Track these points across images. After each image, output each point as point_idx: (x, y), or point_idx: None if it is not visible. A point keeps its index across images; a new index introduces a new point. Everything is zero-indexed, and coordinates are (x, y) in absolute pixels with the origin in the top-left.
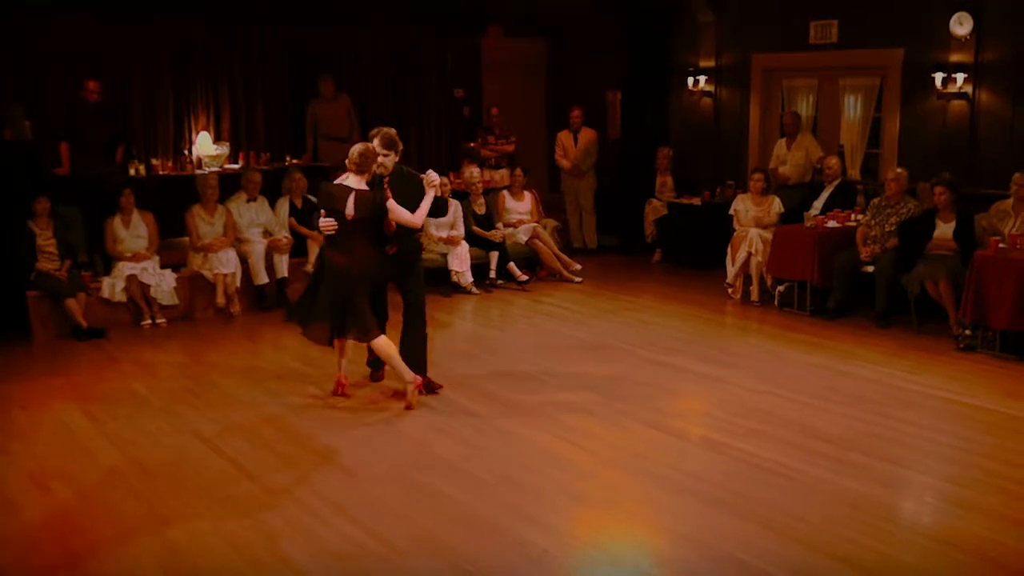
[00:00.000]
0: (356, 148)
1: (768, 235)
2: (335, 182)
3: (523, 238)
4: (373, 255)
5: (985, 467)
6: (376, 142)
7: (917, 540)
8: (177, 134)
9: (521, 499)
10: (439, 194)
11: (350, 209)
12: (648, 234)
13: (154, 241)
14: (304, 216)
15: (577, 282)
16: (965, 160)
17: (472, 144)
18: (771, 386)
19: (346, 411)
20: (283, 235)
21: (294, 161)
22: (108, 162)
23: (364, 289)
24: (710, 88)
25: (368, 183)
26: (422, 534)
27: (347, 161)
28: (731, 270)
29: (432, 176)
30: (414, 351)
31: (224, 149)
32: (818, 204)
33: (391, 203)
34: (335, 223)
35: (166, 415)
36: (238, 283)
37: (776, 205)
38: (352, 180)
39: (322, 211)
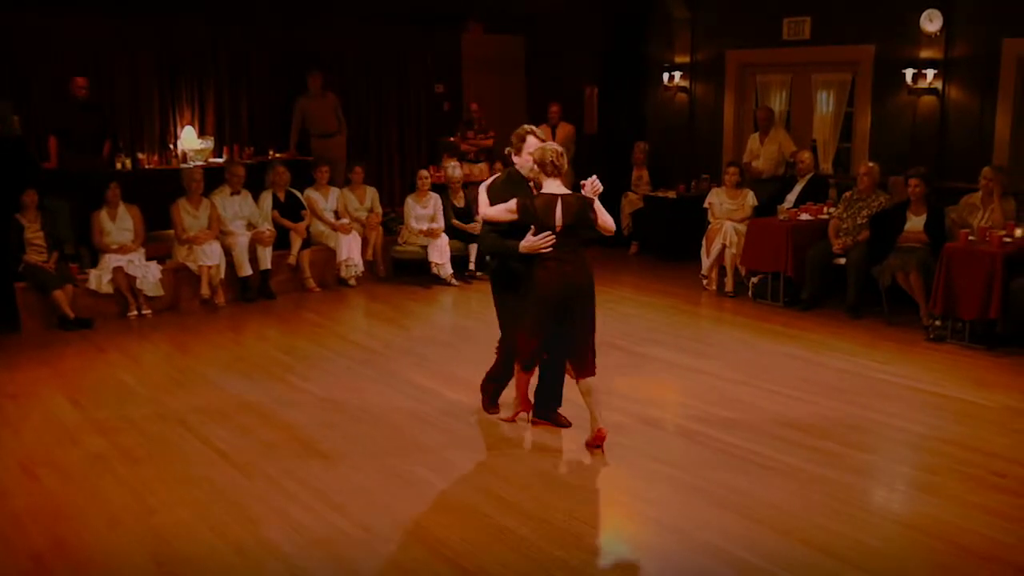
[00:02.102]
0: (553, 147)
1: (742, 228)
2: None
3: None
4: (587, 267)
5: (955, 455)
6: (536, 139)
7: (889, 527)
8: (163, 129)
9: (500, 486)
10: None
11: (559, 219)
12: (624, 227)
13: (140, 234)
14: (287, 209)
15: None
16: (935, 154)
17: (452, 139)
18: (746, 376)
19: (328, 401)
20: (266, 228)
21: (277, 155)
22: (95, 156)
23: (577, 309)
24: (685, 84)
25: (505, 182)
26: (403, 520)
27: (542, 164)
28: (706, 262)
29: (597, 184)
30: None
31: (208, 143)
32: (791, 197)
33: (598, 204)
34: (552, 236)
35: (152, 404)
36: (222, 275)
37: (750, 198)
38: (553, 185)
39: (531, 227)
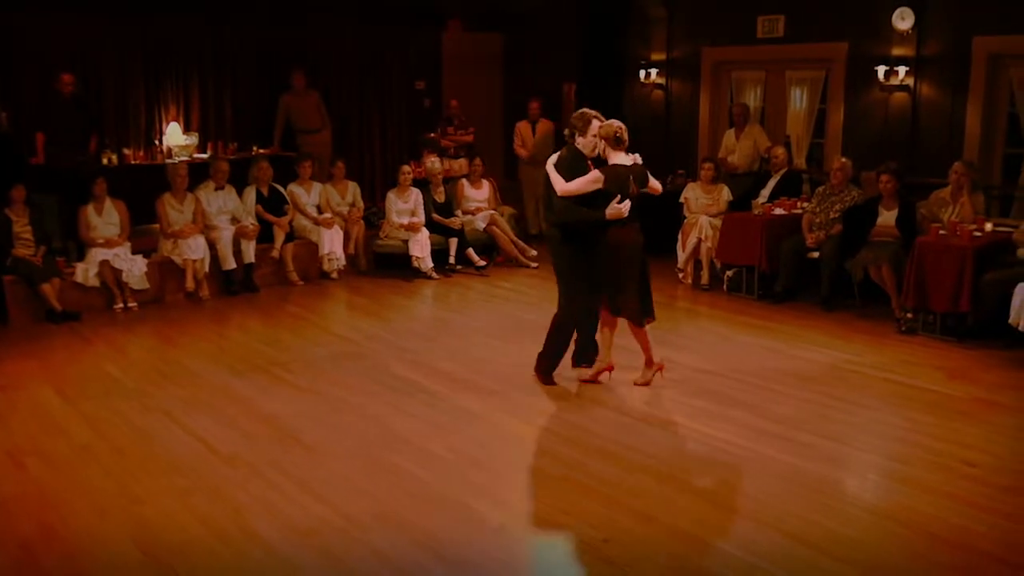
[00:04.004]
0: (618, 123)
1: (717, 222)
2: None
3: (481, 225)
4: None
5: (927, 446)
6: (599, 122)
7: (862, 516)
8: (148, 125)
9: (479, 475)
10: None
11: (633, 186)
12: None
13: (126, 228)
14: (270, 204)
15: (533, 267)
16: (906, 150)
17: (432, 134)
18: (721, 368)
19: (310, 392)
20: (250, 222)
21: (261, 151)
22: (82, 152)
23: (642, 268)
24: (661, 81)
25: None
26: (383, 510)
27: (609, 139)
28: (682, 256)
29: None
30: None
31: (193, 139)
32: (765, 192)
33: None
34: (630, 202)
35: (137, 395)
36: (207, 268)
37: (725, 193)
38: (622, 157)
39: (617, 196)
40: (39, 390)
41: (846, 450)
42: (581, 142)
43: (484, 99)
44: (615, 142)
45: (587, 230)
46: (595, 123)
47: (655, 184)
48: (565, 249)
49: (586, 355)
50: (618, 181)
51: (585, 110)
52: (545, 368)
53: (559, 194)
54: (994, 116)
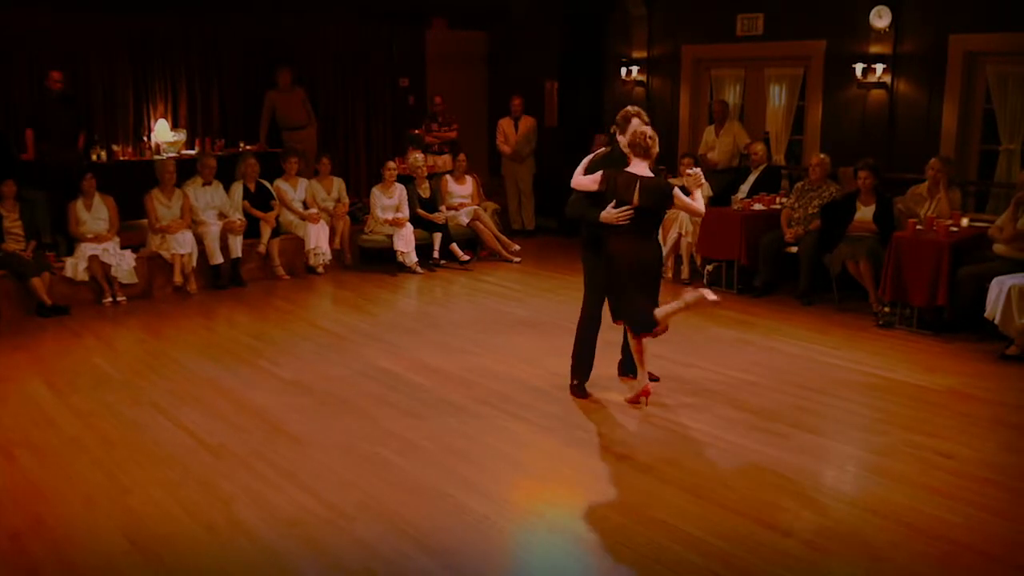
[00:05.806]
0: (644, 131)
1: (698, 217)
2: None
3: (465, 220)
4: (656, 246)
5: (904, 438)
6: (640, 121)
7: (839, 507)
8: (136, 121)
9: (463, 467)
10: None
11: (636, 198)
12: None
13: (115, 223)
14: (257, 199)
15: (516, 262)
16: (884, 146)
17: (417, 131)
18: (700, 360)
19: (296, 385)
20: (237, 217)
21: (248, 147)
22: (71, 148)
23: (645, 281)
24: (642, 78)
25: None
26: (368, 500)
27: (632, 145)
28: (663, 250)
29: (699, 176)
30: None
31: (181, 136)
32: (745, 188)
33: (678, 191)
34: (630, 211)
35: (126, 388)
36: (194, 263)
37: (705, 189)
38: (639, 167)
39: (613, 201)
40: (29, 383)
41: (824, 441)
42: (622, 141)
43: (468, 96)
44: (638, 150)
45: (597, 234)
46: (635, 121)
47: (688, 206)
48: (585, 252)
49: (630, 363)
50: (615, 187)
51: (628, 108)
52: (573, 373)
53: (572, 186)
54: (970, 113)
